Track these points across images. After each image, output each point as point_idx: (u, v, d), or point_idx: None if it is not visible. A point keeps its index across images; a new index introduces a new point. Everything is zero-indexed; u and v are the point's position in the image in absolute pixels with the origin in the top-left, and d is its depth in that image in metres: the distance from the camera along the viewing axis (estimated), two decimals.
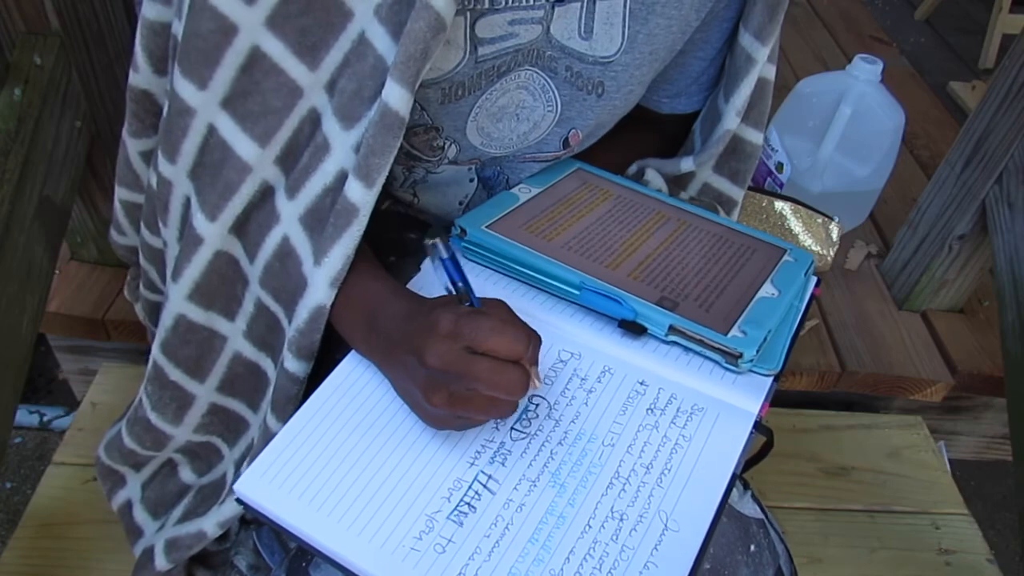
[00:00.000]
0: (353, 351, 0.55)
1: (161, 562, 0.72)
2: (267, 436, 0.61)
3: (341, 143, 0.53)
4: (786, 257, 0.65)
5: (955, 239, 1.14)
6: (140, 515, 0.77)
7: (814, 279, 0.65)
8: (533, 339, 0.47)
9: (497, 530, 0.46)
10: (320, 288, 0.54)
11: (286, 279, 0.56)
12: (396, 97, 0.49)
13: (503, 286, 0.60)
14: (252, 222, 0.57)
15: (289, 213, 0.55)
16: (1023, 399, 0.93)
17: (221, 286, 0.60)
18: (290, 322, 0.57)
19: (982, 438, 1.31)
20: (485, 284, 0.60)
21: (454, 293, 0.53)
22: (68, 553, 0.91)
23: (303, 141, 0.54)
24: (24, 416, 1.23)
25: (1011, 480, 1.32)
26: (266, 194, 0.56)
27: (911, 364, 1.16)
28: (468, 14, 0.53)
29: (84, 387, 1.11)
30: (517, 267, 0.60)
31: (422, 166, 0.64)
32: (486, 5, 0.53)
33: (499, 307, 0.49)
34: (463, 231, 0.61)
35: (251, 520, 0.80)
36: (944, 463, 1.15)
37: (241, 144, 0.53)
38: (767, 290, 0.60)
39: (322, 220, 0.54)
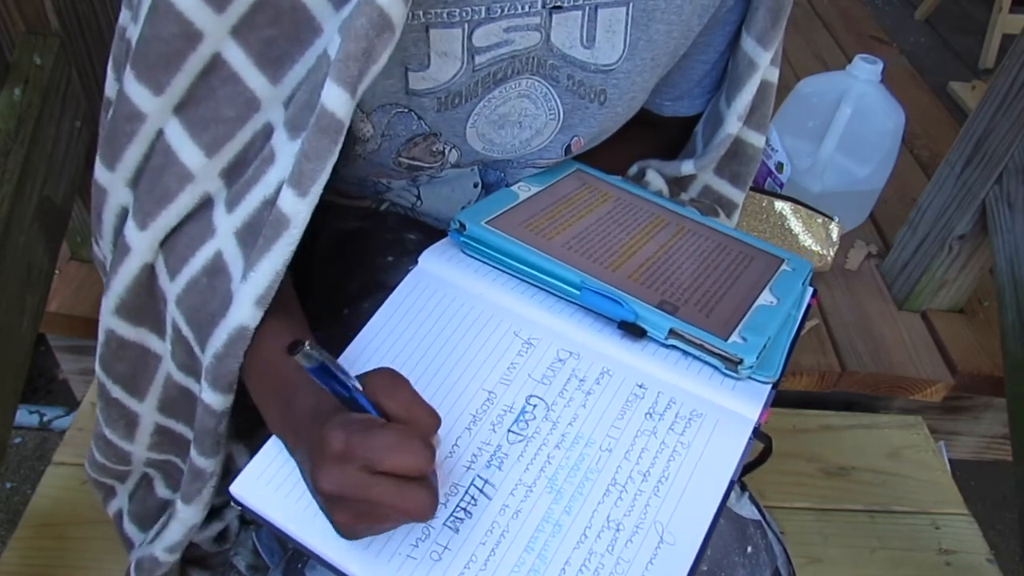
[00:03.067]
0: (349, 348, 0.54)
1: None
2: (192, 468, 0.58)
3: (285, 153, 0.49)
4: (784, 266, 0.65)
5: (955, 239, 1.14)
6: (128, 527, 0.77)
7: (811, 289, 0.65)
8: (429, 422, 0.43)
9: (493, 538, 0.46)
10: (243, 306, 0.49)
11: (209, 297, 0.52)
12: (333, 98, 0.46)
13: (502, 283, 0.60)
14: (182, 235, 0.53)
15: (226, 227, 0.51)
16: (1023, 399, 0.93)
17: (149, 301, 0.56)
18: (203, 349, 0.53)
19: (982, 438, 1.31)
20: (484, 281, 0.60)
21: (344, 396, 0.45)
22: (68, 553, 0.91)
23: (252, 156, 0.51)
24: (24, 416, 1.23)
25: (1011, 480, 1.32)
26: (204, 207, 0.52)
27: (911, 364, 1.16)
28: (466, 25, 0.53)
29: (84, 387, 1.12)
30: (516, 264, 0.60)
31: (425, 173, 0.64)
32: (483, 15, 0.53)
33: (396, 395, 0.43)
34: (462, 226, 0.61)
35: (250, 520, 0.80)
36: (944, 463, 1.15)
37: (186, 150, 0.50)
38: (766, 298, 0.60)
39: (257, 234, 0.50)
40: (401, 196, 0.69)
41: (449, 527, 0.46)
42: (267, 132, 0.51)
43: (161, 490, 0.75)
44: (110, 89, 0.60)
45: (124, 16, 0.56)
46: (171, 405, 0.63)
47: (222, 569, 0.80)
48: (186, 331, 0.54)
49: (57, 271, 1.05)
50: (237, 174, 0.52)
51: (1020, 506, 0.91)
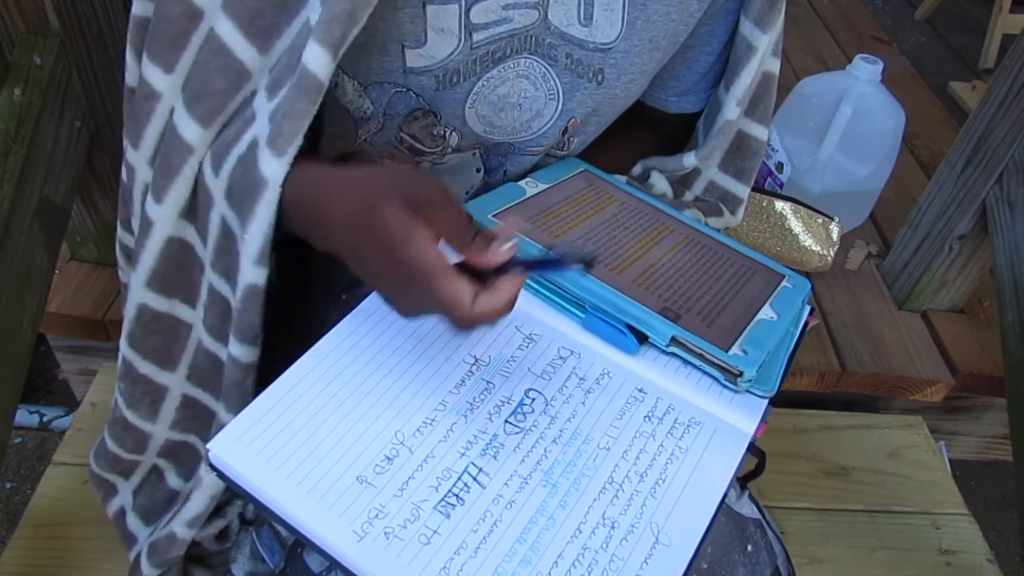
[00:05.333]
0: (344, 321, 0.54)
1: (146, 568, 0.72)
2: (219, 428, 0.60)
3: (263, 113, 0.51)
4: (784, 283, 0.65)
5: (955, 239, 1.14)
6: (133, 522, 0.77)
7: (808, 308, 0.65)
8: (463, 232, 0.45)
9: (485, 526, 0.46)
10: (246, 268, 0.52)
11: (230, 259, 0.55)
12: (315, 59, 0.47)
13: None
14: (197, 205, 0.56)
15: (217, 190, 0.53)
16: (1023, 399, 0.93)
17: (179, 274, 0.59)
18: None
19: (982, 438, 1.31)
20: None
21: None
22: (68, 553, 0.91)
23: (235, 118, 0.53)
24: (24, 416, 1.23)
25: (1011, 480, 1.32)
26: (199, 173, 0.55)
27: (911, 364, 1.16)
28: (463, 1, 0.53)
29: (84, 387, 1.12)
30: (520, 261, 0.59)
31: (427, 159, 0.64)
32: None
33: (435, 203, 0.44)
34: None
35: (250, 520, 0.80)
36: (944, 463, 1.15)
37: (184, 125, 0.52)
38: (766, 312, 0.60)
39: (236, 192, 0.52)
40: None
41: (440, 512, 0.46)
42: (252, 95, 0.53)
43: (172, 480, 0.75)
44: (127, 77, 0.62)
45: (137, 5, 0.57)
46: (199, 374, 0.65)
47: (223, 569, 0.80)
48: (225, 291, 0.57)
49: (57, 271, 1.05)
50: (222, 137, 0.53)
51: (1020, 506, 0.91)
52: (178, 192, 0.54)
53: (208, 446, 0.46)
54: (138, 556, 0.74)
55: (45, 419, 1.24)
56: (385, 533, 0.44)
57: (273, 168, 0.48)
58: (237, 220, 0.52)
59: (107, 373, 1.10)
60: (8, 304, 0.82)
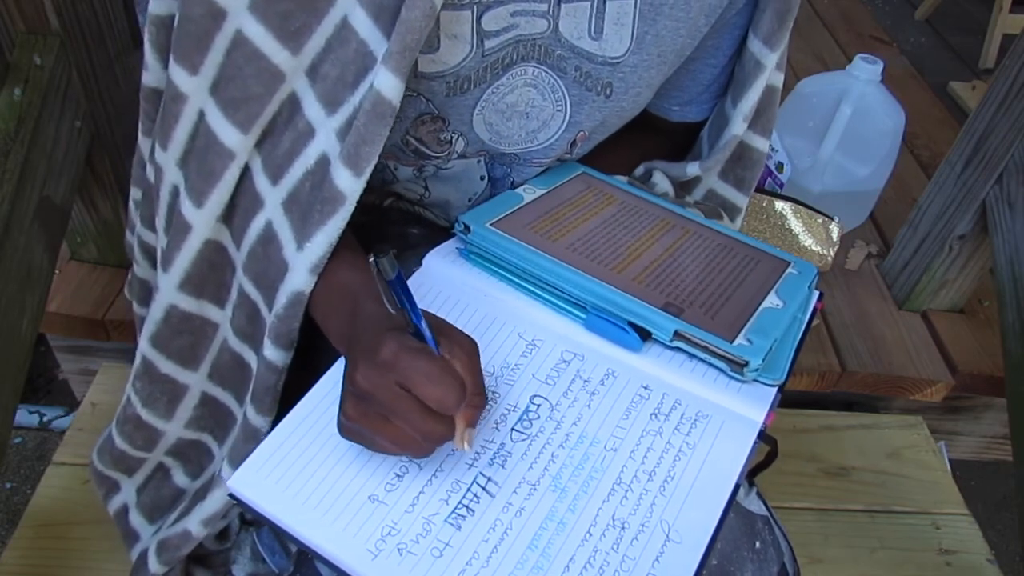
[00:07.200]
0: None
1: (154, 565, 0.72)
2: (247, 428, 0.60)
3: (324, 128, 0.53)
4: (790, 269, 0.65)
5: (955, 239, 1.14)
6: (136, 519, 0.77)
7: (817, 292, 0.65)
8: (474, 398, 0.46)
9: (496, 535, 0.46)
10: (300, 273, 0.53)
11: (268, 264, 0.56)
12: (389, 86, 0.49)
13: (506, 284, 0.60)
14: (238, 208, 0.57)
15: (273, 199, 0.55)
16: (1023, 399, 0.93)
17: (211, 274, 0.60)
18: (270, 309, 0.57)
19: (982, 438, 1.32)
20: (488, 281, 0.60)
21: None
22: (68, 553, 0.91)
23: (280, 125, 0.54)
24: (24, 416, 1.23)
25: (1011, 480, 1.32)
26: (244, 177, 0.56)
27: (911, 364, 1.16)
28: (475, 8, 0.54)
29: (84, 387, 1.11)
30: (520, 267, 0.59)
31: (432, 163, 0.64)
32: None
33: (462, 348, 0.46)
34: (467, 227, 0.61)
35: (251, 521, 0.80)
36: (944, 463, 1.15)
37: (223, 131, 0.53)
38: (771, 301, 0.60)
39: (300, 203, 0.54)
40: (409, 189, 0.69)
41: (451, 524, 0.46)
42: (292, 101, 0.53)
43: (179, 478, 0.75)
44: (145, 77, 0.62)
45: (157, 4, 0.58)
46: (220, 372, 0.65)
47: (223, 570, 0.80)
48: (254, 295, 0.58)
49: (57, 271, 1.04)
50: (270, 145, 0.55)
51: (1020, 506, 0.91)
52: (219, 196, 0.55)
53: (228, 483, 0.47)
54: (143, 553, 0.74)
55: (45, 419, 1.24)
56: (398, 549, 0.44)
57: (353, 187, 0.52)
58: (290, 228, 0.54)
59: (107, 373, 1.10)
60: (8, 304, 0.82)
